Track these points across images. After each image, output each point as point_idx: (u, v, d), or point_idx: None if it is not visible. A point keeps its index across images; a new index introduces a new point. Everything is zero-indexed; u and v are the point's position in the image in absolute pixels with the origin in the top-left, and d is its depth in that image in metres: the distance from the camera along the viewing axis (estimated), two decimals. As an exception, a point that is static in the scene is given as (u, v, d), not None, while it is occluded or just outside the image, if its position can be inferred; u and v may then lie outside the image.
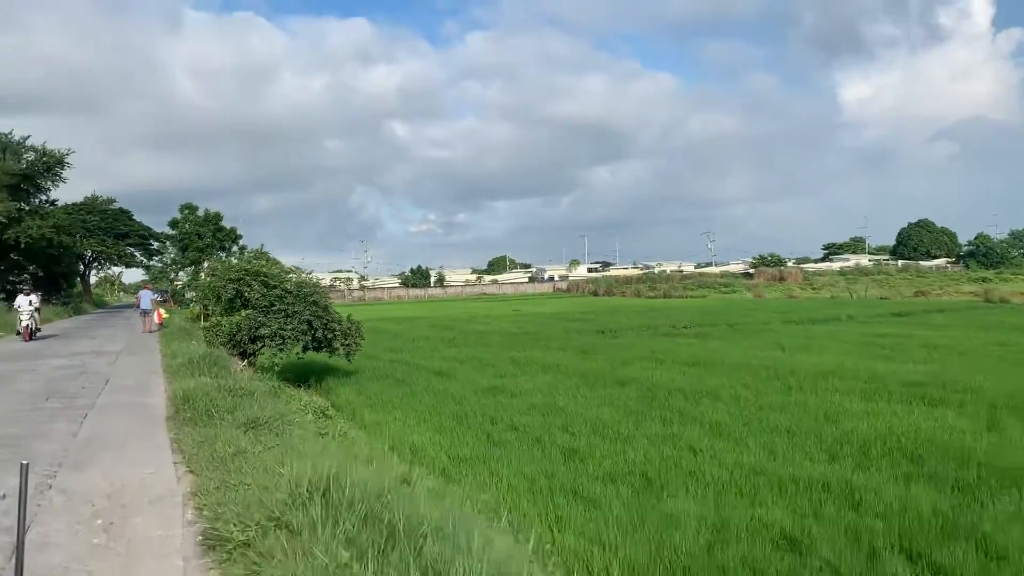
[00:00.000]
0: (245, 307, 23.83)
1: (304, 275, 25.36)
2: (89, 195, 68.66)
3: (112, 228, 67.39)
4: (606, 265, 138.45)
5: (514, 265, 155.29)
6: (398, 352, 31.78)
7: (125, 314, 50.17)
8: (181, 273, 71.21)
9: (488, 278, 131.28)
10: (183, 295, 71.21)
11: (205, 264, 50.78)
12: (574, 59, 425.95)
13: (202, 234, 50.66)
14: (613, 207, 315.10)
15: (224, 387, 10.80)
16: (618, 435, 14.48)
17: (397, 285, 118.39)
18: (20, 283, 51.74)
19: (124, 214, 69.82)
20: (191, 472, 6.71)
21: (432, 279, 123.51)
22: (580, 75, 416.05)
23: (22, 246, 44.10)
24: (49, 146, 47.42)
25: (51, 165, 47.40)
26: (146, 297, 32.31)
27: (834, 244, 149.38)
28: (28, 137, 47.04)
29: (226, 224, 52.47)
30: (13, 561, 2.04)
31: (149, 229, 70.70)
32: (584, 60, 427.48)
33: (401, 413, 18.06)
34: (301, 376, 24.68)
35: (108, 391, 12.26)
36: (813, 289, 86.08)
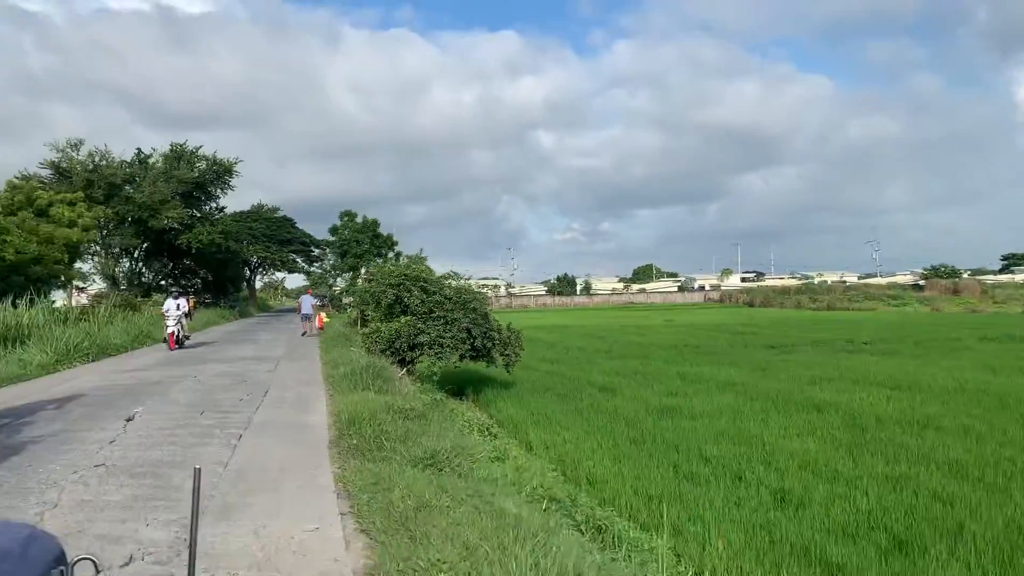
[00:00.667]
0: (404, 313, 22.84)
1: (463, 281, 24.15)
2: (255, 204, 71.37)
3: (276, 235, 69.44)
4: (759, 275, 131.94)
5: (660, 274, 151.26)
6: (554, 363, 30.17)
7: (287, 318, 51.18)
8: (339, 279, 72.75)
9: (635, 287, 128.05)
10: (340, 300, 72.82)
11: (363, 270, 51.16)
12: (723, 64, 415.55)
13: (360, 240, 50.99)
14: (764, 215, 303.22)
15: (392, 407, 9.35)
16: (836, 474, 12.13)
17: (543, 293, 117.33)
18: (190, 286, 54.04)
19: (287, 221, 71.88)
20: (363, 532, 5.12)
21: (578, 287, 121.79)
22: (729, 80, 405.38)
23: (193, 251, 45.67)
24: (219, 156, 49.15)
25: (221, 173, 49.03)
26: (307, 302, 32.27)
27: (1014, 254, 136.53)
28: (200, 147, 48.91)
29: (383, 231, 52.63)
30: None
31: (310, 236, 72.48)
32: (734, 65, 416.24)
33: (570, 434, 16.31)
34: (458, 386, 23.49)
35: (266, 405, 11.11)
36: (996, 303, 78.15)
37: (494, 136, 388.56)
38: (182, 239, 44.96)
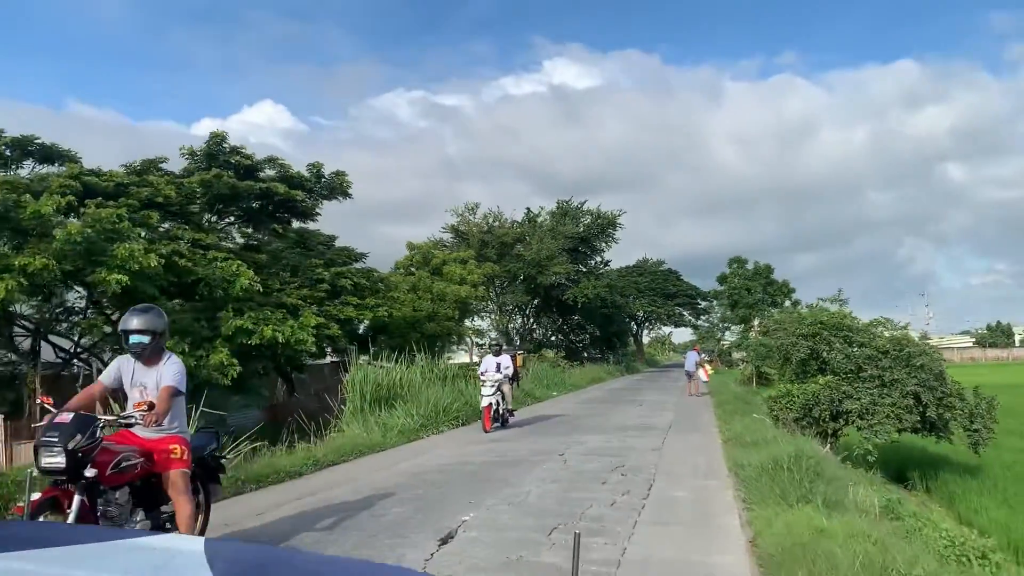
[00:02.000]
0: (821, 372, 17.65)
1: (898, 330, 18.22)
2: (640, 259, 69.96)
3: (661, 288, 67.16)
4: None
5: None
6: (1027, 437, 22.29)
7: (674, 374, 47.67)
8: (727, 333, 67.67)
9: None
10: (730, 355, 67.63)
11: (755, 321, 45.85)
12: None
13: (751, 288, 45.80)
14: None
15: (885, 567, 4.76)
16: None
17: (970, 344, 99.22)
18: (579, 342, 53.11)
19: (672, 274, 69.27)
20: None
21: (1017, 337, 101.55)
22: None
23: (579, 306, 44.33)
24: (603, 209, 47.79)
25: (605, 226, 47.51)
26: (691, 359, 28.34)
27: None
28: (585, 202, 48.01)
29: (776, 278, 46.91)
30: None
31: (696, 288, 68.97)
32: None
33: None
34: (893, 465, 17.66)
35: (648, 518, 7.10)
36: None
37: (892, 174, 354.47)
38: (568, 294, 43.89)
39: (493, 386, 15.42)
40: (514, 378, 17.34)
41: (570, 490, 8.52)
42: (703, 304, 68.30)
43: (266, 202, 22.01)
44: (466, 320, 34.40)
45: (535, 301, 46.41)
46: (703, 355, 31.35)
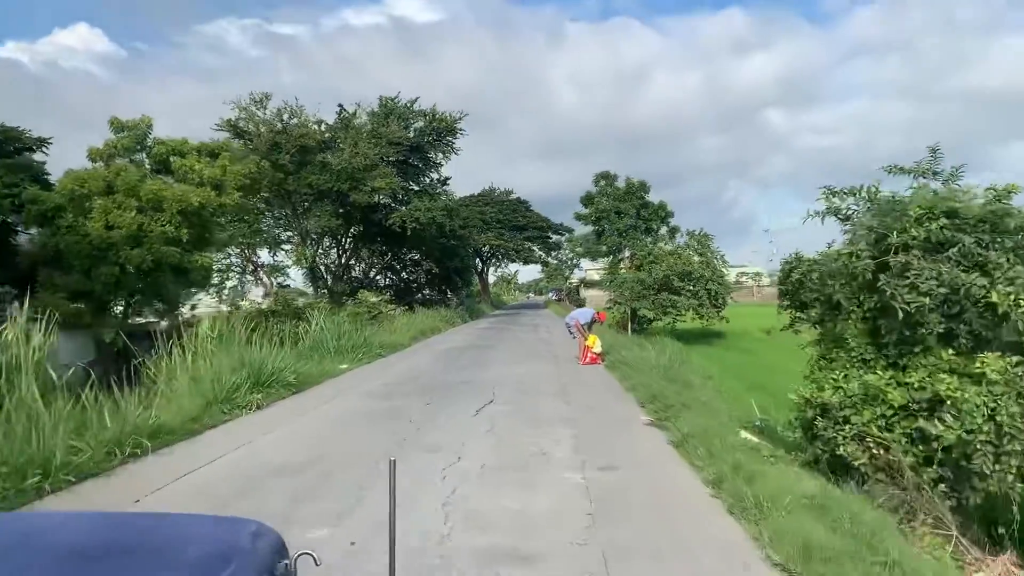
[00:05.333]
0: (947, 341, 6.76)
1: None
2: (487, 187, 58.24)
3: (510, 220, 55.91)
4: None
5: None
6: None
7: (524, 319, 36.87)
8: (576, 270, 57.68)
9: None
10: (578, 293, 58.00)
11: (625, 252, 35.39)
12: (984, 21, 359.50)
13: (622, 211, 34.91)
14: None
15: None
16: None
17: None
18: (412, 282, 41.00)
19: (522, 204, 58.08)
20: None
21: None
22: (993, 38, 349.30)
23: (408, 233, 31.97)
24: (440, 110, 35.17)
25: (442, 133, 35.06)
26: (581, 316, 17.52)
27: None
28: (416, 100, 35.22)
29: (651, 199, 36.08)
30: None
31: (547, 220, 58.23)
32: (998, 20, 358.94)
33: None
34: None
35: None
36: None
37: (721, 120, 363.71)
38: (395, 217, 31.49)
39: None
40: None
41: None
42: (555, 238, 57.94)
43: None
44: (213, 247, 21.16)
45: (352, 228, 33.75)
46: (588, 315, 19.04)
